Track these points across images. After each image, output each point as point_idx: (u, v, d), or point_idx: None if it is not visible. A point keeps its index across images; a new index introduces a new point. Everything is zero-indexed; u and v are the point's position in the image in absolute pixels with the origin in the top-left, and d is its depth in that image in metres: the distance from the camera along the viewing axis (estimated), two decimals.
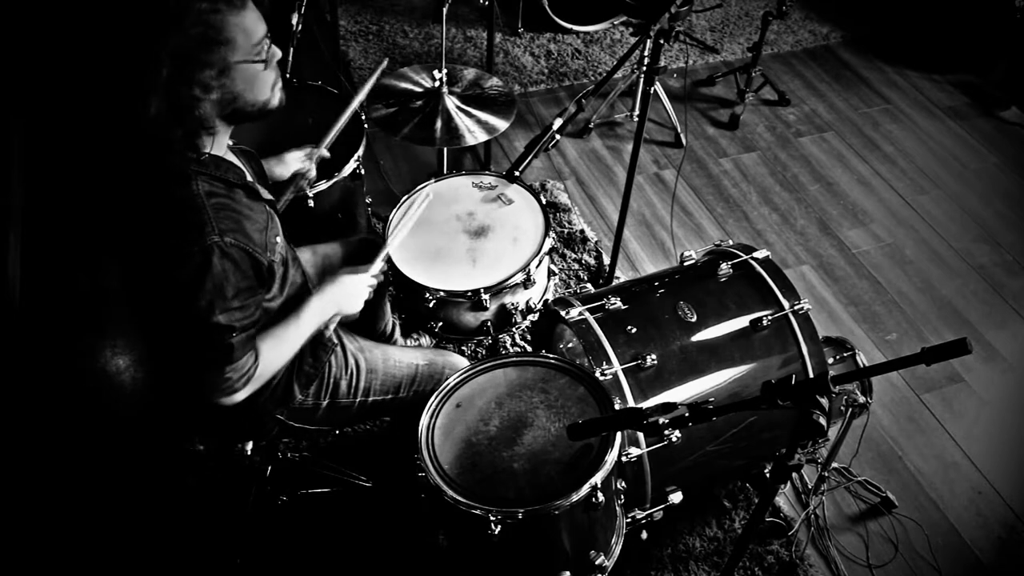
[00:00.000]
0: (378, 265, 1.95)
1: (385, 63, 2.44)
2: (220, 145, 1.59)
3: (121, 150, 1.57)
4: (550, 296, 2.34)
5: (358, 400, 1.99)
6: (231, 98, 1.50)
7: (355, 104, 2.29)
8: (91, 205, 3.11)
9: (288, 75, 2.70)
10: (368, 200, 2.80)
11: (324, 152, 2.20)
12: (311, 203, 2.30)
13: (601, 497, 1.69)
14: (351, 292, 1.85)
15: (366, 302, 2.33)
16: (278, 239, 1.69)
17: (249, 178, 1.67)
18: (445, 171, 3.13)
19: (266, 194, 1.74)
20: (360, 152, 2.46)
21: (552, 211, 3.35)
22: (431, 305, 2.13)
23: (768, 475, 1.69)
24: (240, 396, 1.64)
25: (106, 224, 3.00)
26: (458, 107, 2.68)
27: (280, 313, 1.76)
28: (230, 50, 1.45)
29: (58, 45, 3.41)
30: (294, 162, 2.11)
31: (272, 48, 1.55)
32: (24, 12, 3.43)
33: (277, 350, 1.70)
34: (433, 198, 2.33)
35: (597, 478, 1.68)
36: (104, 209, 3.03)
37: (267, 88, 1.56)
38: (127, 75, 1.42)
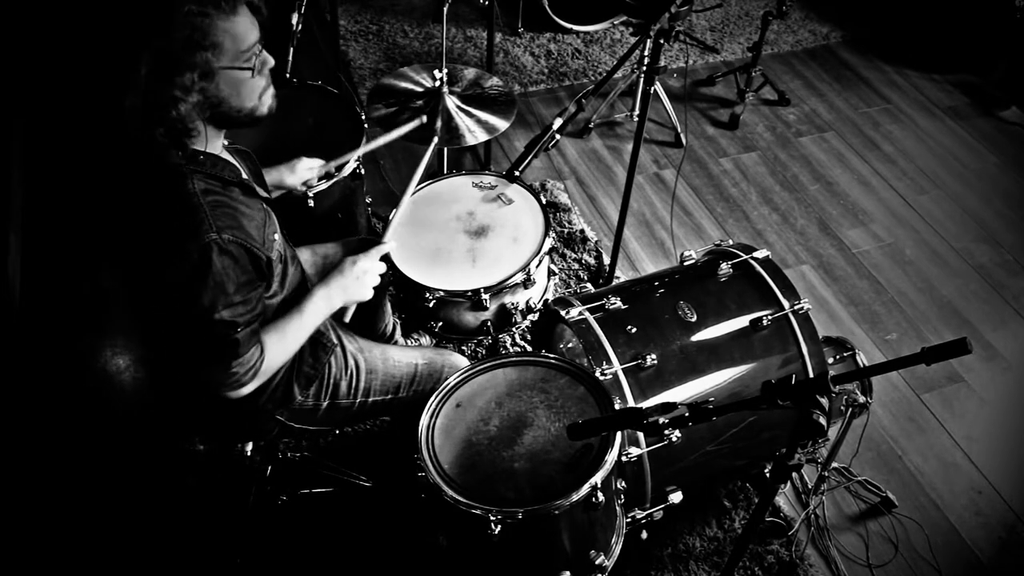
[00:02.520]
0: (380, 249, 1.92)
1: (419, 121, 2.37)
2: (214, 145, 1.59)
3: (116, 149, 1.58)
4: (550, 296, 2.34)
5: (358, 400, 1.99)
6: (216, 102, 1.50)
7: (380, 141, 2.29)
8: (91, 205, 3.11)
9: (288, 75, 2.70)
10: (368, 200, 2.80)
11: (331, 169, 2.21)
12: (311, 203, 2.30)
13: (601, 497, 1.69)
14: (358, 276, 1.84)
15: (366, 306, 2.33)
16: (276, 236, 1.69)
17: (244, 176, 1.67)
18: (445, 171, 3.13)
19: (262, 192, 1.74)
20: (360, 152, 2.46)
21: (552, 211, 3.35)
22: (431, 305, 2.13)
23: (768, 475, 1.69)
24: (247, 389, 1.64)
25: (105, 224, 3.00)
26: (458, 107, 2.68)
27: (281, 310, 1.76)
28: (215, 55, 1.44)
29: (56, 44, 3.41)
30: (304, 171, 2.12)
31: (264, 56, 1.54)
32: (24, 11, 3.43)
33: (282, 344, 1.71)
34: (432, 198, 2.33)
35: (597, 478, 1.68)
36: (103, 209, 3.03)
37: (254, 95, 1.55)
38: (108, 69, 1.43)
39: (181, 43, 1.40)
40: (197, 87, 1.44)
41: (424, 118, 2.38)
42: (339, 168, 2.27)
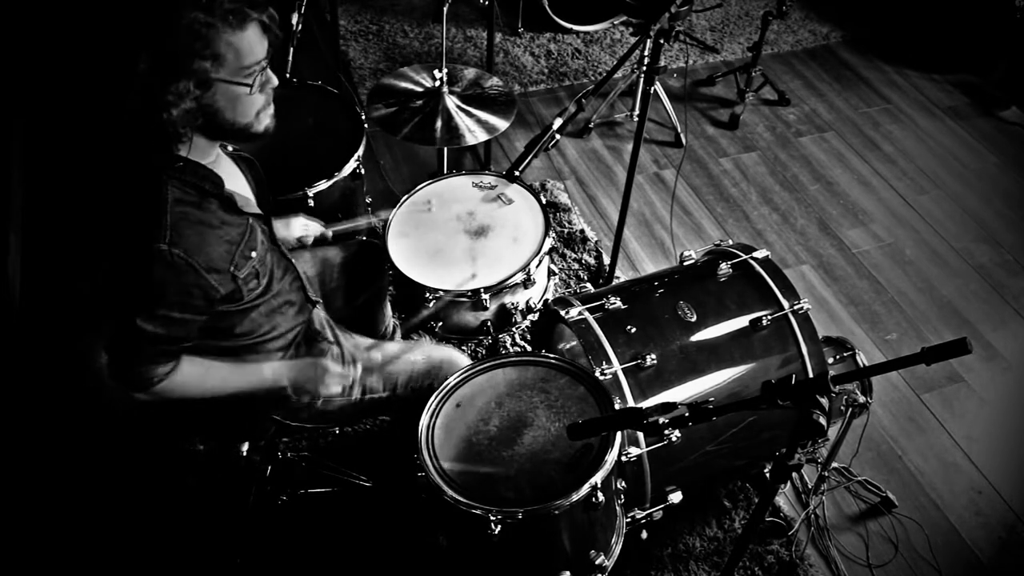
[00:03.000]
0: (357, 371, 1.90)
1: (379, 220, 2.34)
2: (203, 154, 1.57)
3: (106, 148, 1.59)
4: (550, 296, 2.34)
5: (355, 397, 1.99)
6: (210, 112, 1.48)
7: (374, 220, 2.32)
8: (90, 205, 3.11)
9: (288, 75, 2.70)
10: (368, 200, 2.80)
11: (328, 234, 2.21)
12: (311, 203, 2.30)
13: (601, 497, 1.69)
14: (319, 375, 1.81)
15: (367, 307, 2.33)
16: (253, 254, 1.64)
17: (231, 188, 1.63)
18: (445, 171, 3.13)
19: (251, 207, 1.70)
20: (360, 152, 2.46)
21: (552, 211, 3.35)
22: (431, 305, 2.13)
23: (768, 475, 1.70)
24: (142, 397, 1.62)
25: (92, 221, 3.00)
26: (458, 107, 2.68)
27: (252, 323, 1.73)
28: (215, 65, 1.43)
29: (56, 43, 3.41)
30: (298, 228, 2.12)
31: (268, 75, 1.53)
32: (24, 11, 3.43)
33: (202, 376, 1.68)
34: (432, 198, 2.33)
35: (597, 478, 1.68)
36: (92, 207, 3.02)
37: (251, 112, 1.53)
38: (108, 68, 1.43)
39: (182, 49, 1.40)
40: (192, 95, 1.43)
41: (382, 218, 2.32)
42: (336, 236, 2.26)
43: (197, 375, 1.67)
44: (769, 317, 2.11)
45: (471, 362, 1.98)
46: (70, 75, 3.38)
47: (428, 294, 2.11)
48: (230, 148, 1.68)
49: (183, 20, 1.39)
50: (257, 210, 1.72)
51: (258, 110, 1.54)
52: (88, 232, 3.04)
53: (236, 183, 1.70)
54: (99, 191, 1.62)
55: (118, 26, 1.42)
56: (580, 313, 2.07)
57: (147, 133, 1.47)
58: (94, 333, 2.80)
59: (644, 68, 3.15)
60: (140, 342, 1.54)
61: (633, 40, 3.41)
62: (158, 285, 1.49)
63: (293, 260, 1.90)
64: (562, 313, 2.07)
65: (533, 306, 2.26)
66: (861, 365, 2.31)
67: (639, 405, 1.79)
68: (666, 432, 1.68)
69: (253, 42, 1.48)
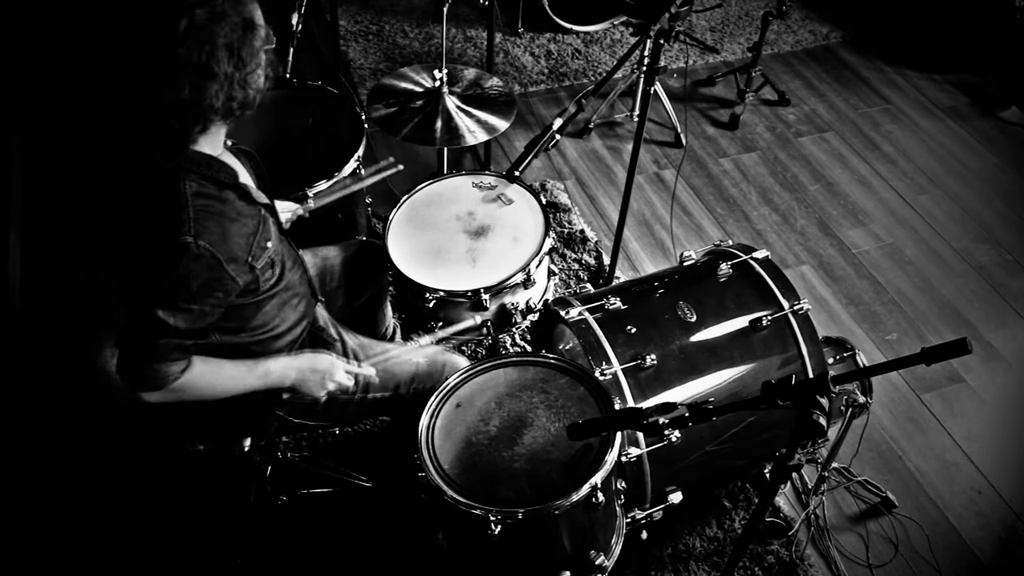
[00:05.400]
0: (366, 367, 1.91)
1: (394, 169, 2.34)
2: (215, 145, 1.58)
3: (118, 147, 1.57)
4: (550, 296, 2.34)
5: (357, 396, 1.99)
6: (247, 84, 1.48)
7: (357, 186, 2.29)
8: (91, 204, 3.11)
9: (288, 75, 2.71)
10: (368, 200, 2.81)
11: (309, 209, 2.19)
12: (311, 203, 2.30)
13: (601, 497, 1.69)
14: (322, 372, 1.81)
15: (367, 308, 2.32)
16: (269, 244, 1.66)
17: (242, 179, 1.65)
18: (445, 171, 3.13)
19: (262, 198, 1.72)
20: (360, 152, 2.46)
21: (552, 211, 3.35)
22: (431, 305, 2.13)
23: (768, 475, 1.70)
24: (153, 397, 1.62)
25: (99, 220, 3.00)
26: (458, 107, 2.68)
27: (264, 316, 1.74)
28: (256, 36, 1.46)
29: (57, 43, 3.40)
30: (282, 211, 2.10)
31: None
32: (25, 10, 3.43)
33: (214, 375, 1.68)
34: (432, 198, 2.33)
35: (597, 478, 1.68)
36: (100, 206, 3.03)
37: (264, 75, 1.55)
38: (142, 65, 1.39)
39: (240, 28, 1.41)
40: (249, 67, 1.45)
41: (400, 167, 2.33)
42: (312, 211, 2.23)
43: (209, 372, 1.67)
44: (769, 317, 2.11)
45: (471, 363, 1.99)
46: (71, 76, 3.37)
47: (428, 294, 2.11)
48: (229, 143, 1.68)
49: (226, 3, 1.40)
50: (267, 200, 1.74)
51: (267, 72, 1.56)
52: (91, 231, 3.04)
53: (242, 176, 1.71)
54: (108, 189, 1.60)
55: (154, 24, 1.40)
56: (580, 313, 2.07)
57: (166, 127, 1.46)
58: (95, 333, 2.80)
59: (644, 68, 3.15)
60: (159, 336, 1.53)
61: (633, 40, 3.41)
62: (182, 277, 1.49)
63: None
64: (562, 313, 2.07)
65: (533, 306, 2.26)
66: (861, 365, 2.31)
67: (639, 405, 1.79)
68: (666, 432, 1.68)
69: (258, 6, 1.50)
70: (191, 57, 1.38)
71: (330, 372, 1.82)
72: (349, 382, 1.87)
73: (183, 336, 1.56)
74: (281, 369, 1.77)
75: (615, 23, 4.48)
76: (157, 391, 1.61)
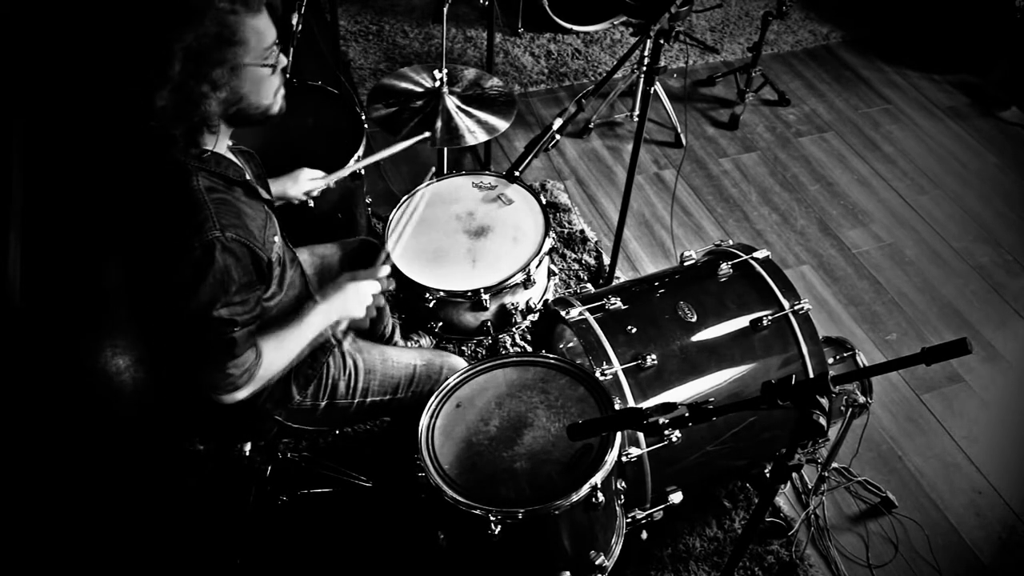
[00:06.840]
0: (381, 269, 1.92)
1: (423, 136, 2.43)
2: (221, 144, 1.60)
3: (122, 146, 1.58)
4: (550, 296, 2.34)
5: (356, 400, 1.99)
6: (237, 99, 1.52)
7: (378, 156, 2.29)
8: (91, 205, 3.11)
9: (288, 75, 2.70)
10: (368, 200, 2.80)
11: (332, 183, 2.19)
12: (311, 203, 2.30)
13: (601, 497, 1.69)
14: (355, 297, 1.83)
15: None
16: (276, 239, 1.69)
17: (248, 176, 1.68)
18: (445, 171, 3.13)
19: (265, 194, 1.74)
20: (360, 152, 2.46)
21: (552, 211, 3.35)
22: (431, 305, 2.13)
23: (768, 475, 1.69)
24: (242, 394, 1.63)
25: (107, 222, 3.00)
26: (458, 107, 2.68)
27: (280, 314, 1.75)
28: (243, 51, 1.47)
29: (63, 41, 3.40)
30: (306, 182, 2.11)
31: (279, 55, 1.57)
32: (26, 10, 3.43)
33: (279, 351, 1.70)
34: (432, 198, 2.33)
35: (597, 478, 1.68)
36: (105, 207, 3.03)
37: (271, 93, 1.58)
38: (138, 67, 1.42)
39: (212, 38, 1.42)
40: (225, 83, 1.47)
41: (428, 134, 2.38)
42: (340, 180, 2.26)
43: (272, 350, 1.67)
44: (769, 317, 2.11)
45: (471, 363, 1.98)
46: (71, 75, 3.37)
47: (428, 294, 2.11)
48: (230, 142, 1.69)
49: (209, 11, 1.41)
50: (269, 197, 1.76)
51: (275, 90, 1.58)
52: (93, 231, 3.04)
53: (246, 174, 1.72)
54: (117, 192, 1.62)
55: (146, 28, 1.42)
56: (580, 313, 2.07)
57: (179, 131, 1.48)
58: (95, 333, 2.80)
59: (644, 68, 3.15)
60: (226, 334, 1.54)
61: (633, 40, 3.41)
62: (223, 270, 1.50)
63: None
64: (562, 313, 2.07)
65: (533, 306, 2.26)
66: (861, 365, 2.31)
67: (639, 405, 1.79)
68: (666, 432, 1.67)
69: (268, 23, 1.52)
70: (146, 55, 1.41)
71: (357, 290, 1.81)
72: (379, 286, 1.85)
73: (247, 325, 1.58)
74: (323, 315, 1.77)
75: (615, 23, 4.48)
76: (244, 389, 1.62)
